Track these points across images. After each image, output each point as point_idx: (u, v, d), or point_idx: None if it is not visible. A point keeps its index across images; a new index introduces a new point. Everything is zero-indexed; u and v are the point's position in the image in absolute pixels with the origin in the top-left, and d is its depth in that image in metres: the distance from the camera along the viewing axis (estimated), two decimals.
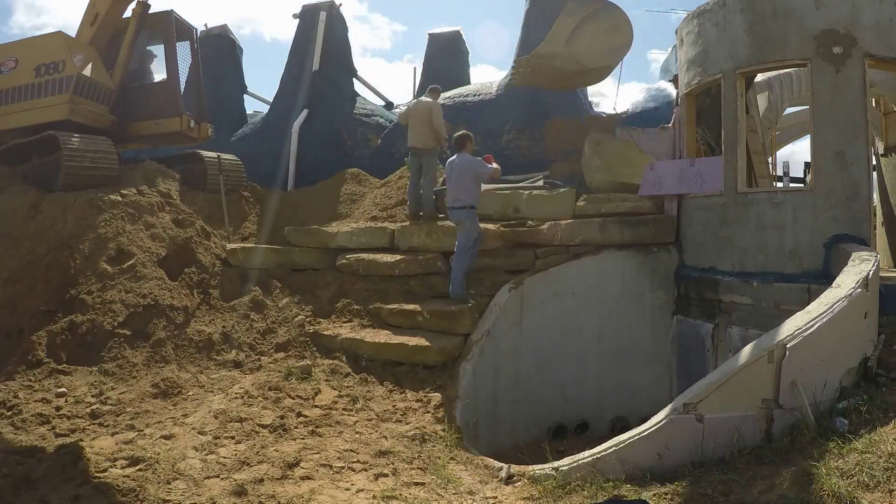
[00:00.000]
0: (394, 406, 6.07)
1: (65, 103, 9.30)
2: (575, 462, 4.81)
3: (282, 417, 5.37)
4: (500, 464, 5.18)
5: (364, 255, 8.18)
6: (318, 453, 4.85)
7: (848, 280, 5.14)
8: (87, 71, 9.60)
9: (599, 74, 10.60)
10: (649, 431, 4.63)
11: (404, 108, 9.55)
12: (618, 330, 7.82)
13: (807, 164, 12.61)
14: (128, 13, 10.27)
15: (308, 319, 7.53)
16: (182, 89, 10.50)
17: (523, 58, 10.79)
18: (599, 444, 4.98)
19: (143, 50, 10.62)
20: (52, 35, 9.88)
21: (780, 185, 12.12)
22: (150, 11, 10.29)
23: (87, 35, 10.14)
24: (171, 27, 10.21)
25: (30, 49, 9.80)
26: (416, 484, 4.58)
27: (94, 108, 9.70)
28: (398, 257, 7.98)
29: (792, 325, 4.77)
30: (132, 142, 10.83)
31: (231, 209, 10.07)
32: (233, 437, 4.96)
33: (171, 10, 10.30)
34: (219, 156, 10.60)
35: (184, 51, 10.73)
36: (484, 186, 9.00)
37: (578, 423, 7.74)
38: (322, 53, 13.59)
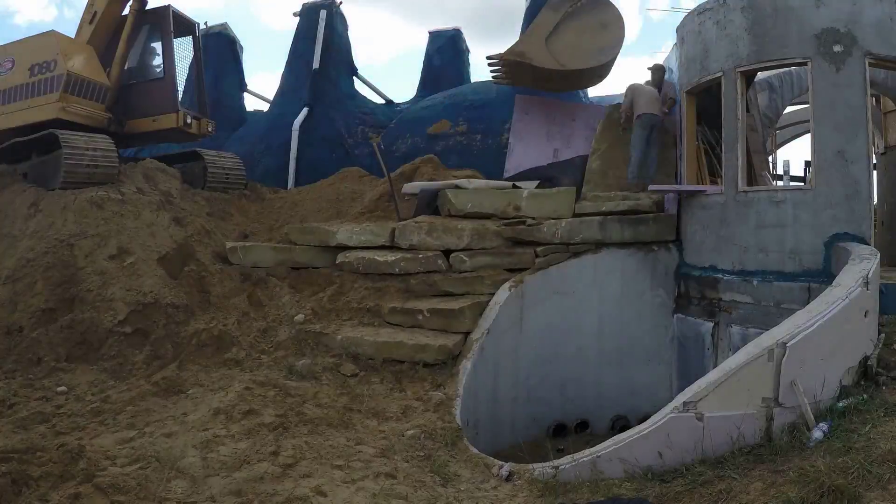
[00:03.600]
0: (394, 404, 6.06)
1: (55, 102, 9.29)
2: (575, 461, 4.82)
3: (282, 416, 5.37)
4: (500, 462, 5.18)
5: (364, 254, 8.18)
6: (318, 452, 4.86)
7: (848, 279, 5.14)
8: (80, 69, 9.57)
9: (588, 77, 9.80)
10: (649, 430, 4.63)
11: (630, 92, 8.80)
12: (618, 328, 7.82)
13: (807, 163, 12.59)
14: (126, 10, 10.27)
15: (308, 318, 7.52)
16: (185, 85, 10.48)
17: (497, 54, 9.84)
18: (599, 442, 4.99)
19: (146, 46, 10.57)
20: (45, 34, 9.88)
21: (780, 183, 12.12)
22: (149, 8, 10.27)
23: (86, 33, 10.12)
24: (168, 22, 10.15)
25: (25, 49, 9.82)
26: (416, 482, 4.59)
27: (87, 107, 9.65)
28: (398, 255, 7.97)
29: (792, 324, 4.77)
30: (131, 139, 10.77)
31: (231, 207, 10.08)
32: (233, 436, 4.96)
33: (169, 6, 10.22)
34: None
35: (186, 46, 10.69)
36: (482, 185, 8.99)
37: (578, 421, 7.75)
38: (322, 52, 13.58)
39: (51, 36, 9.80)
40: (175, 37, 10.31)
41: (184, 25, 10.56)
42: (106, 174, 8.70)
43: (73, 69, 9.44)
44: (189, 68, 11.35)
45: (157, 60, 10.48)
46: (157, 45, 10.48)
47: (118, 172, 8.88)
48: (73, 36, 10.30)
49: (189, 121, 10.20)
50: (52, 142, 8.77)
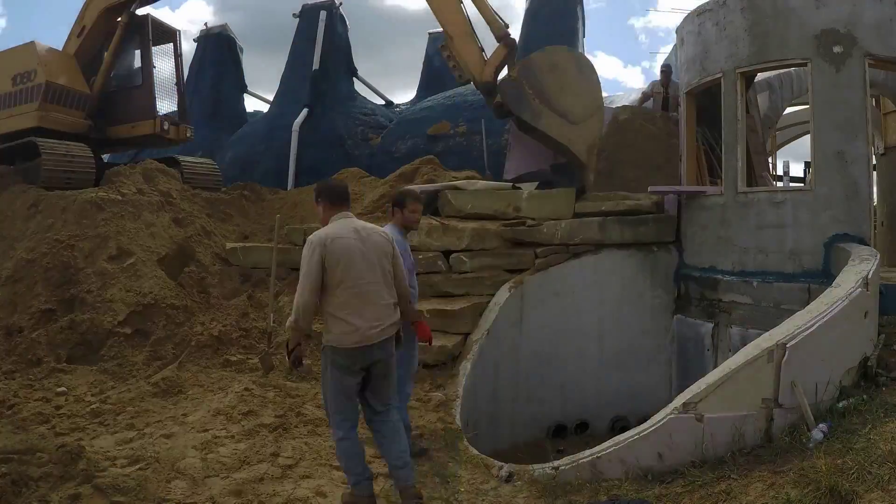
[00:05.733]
0: None
1: (34, 111, 9.60)
2: (574, 462, 4.81)
3: (282, 416, 5.37)
4: (500, 463, 5.18)
5: None
6: (318, 453, 4.85)
7: (848, 280, 5.14)
8: (59, 78, 9.87)
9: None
10: (649, 431, 4.63)
11: None
12: (618, 329, 7.82)
13: (807, 164, 12.59)
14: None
15: None
16: (167, 91, 10.70)
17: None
18: (599, 443, 4.98)
19: (127, 54, 10.84)
20: (26, 45, 10.22)
21: (780, 184, 12.12)
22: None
23: (73, 46, 10.45)
24: (147, 31, 10.38)
25: (7, 59, 10.16)
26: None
27: (66, 115, 9.93)
28: None
29: (792, 325, 4.76)
30: (113, 145, 11.10)
31: (231, 208, 10.08)
32: (233, 437, 4.96)
33: (148, 15, 10.48)
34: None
35: (167, 53, 10.89)
36: (484, 185, 8.99)
37: (578, 422, 7.74)
38: (322, 53, 13.59)
39: (31, 46, 10.10)
40: (154, 45, 10.53)
41: (163, 33, 10.75)
42: (83, 179, 9.05)
43: (52, 79, 9.72)
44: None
45: (137, 68, 10.74)
46: (137, 53, 10.75)
47: (95, 177, 9.20)
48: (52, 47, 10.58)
49: (167, 127, 10.44)
50: (34, 148, 9.08)
